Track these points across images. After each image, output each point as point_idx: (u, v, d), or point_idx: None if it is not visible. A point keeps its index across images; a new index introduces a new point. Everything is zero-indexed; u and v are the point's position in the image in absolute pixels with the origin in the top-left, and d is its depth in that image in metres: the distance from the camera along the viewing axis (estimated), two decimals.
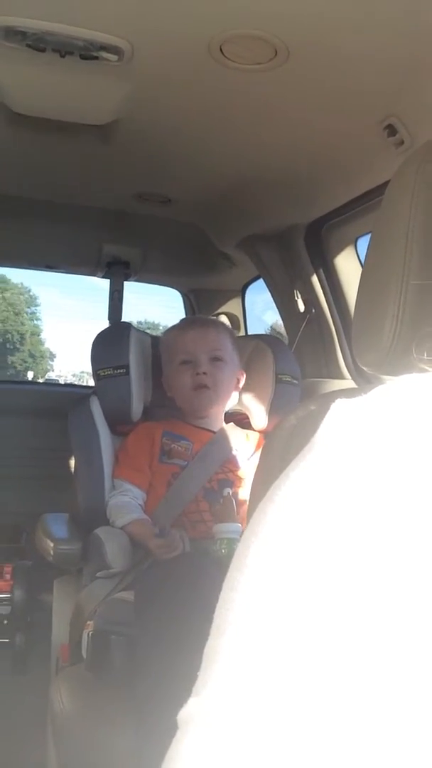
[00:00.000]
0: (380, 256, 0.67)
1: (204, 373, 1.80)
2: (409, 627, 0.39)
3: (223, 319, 2.91)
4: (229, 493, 1.71)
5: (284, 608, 0.40)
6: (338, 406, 0.48)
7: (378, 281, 0.66)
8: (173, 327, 1.96)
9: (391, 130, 1.44)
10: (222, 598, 0.43)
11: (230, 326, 2.35)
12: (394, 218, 0.65)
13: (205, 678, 0.40)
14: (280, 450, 0.78)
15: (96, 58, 1.34)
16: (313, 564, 0.40)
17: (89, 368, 2.02)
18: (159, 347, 1.95)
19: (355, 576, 0.40)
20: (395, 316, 0.63)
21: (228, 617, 0.41)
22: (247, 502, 1.71)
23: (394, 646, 0.38)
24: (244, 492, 1.76)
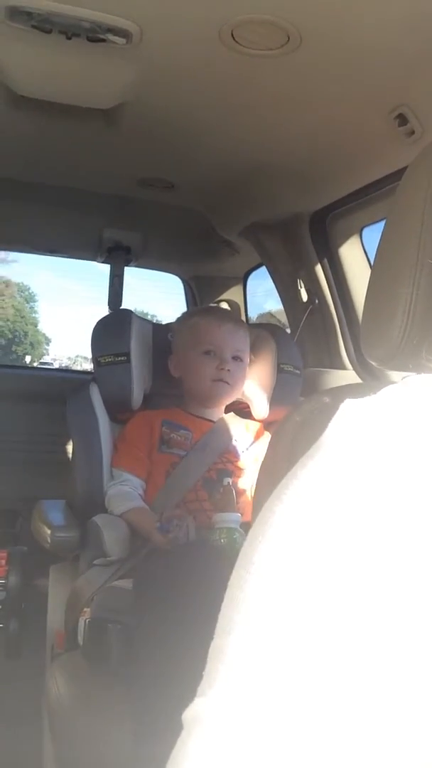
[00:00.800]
0: (392, 250, 0.66)
1: (228, 370, 1.81)
2: (419, 628, 0.38)
3: (224, 306, 2.91)
4: (228, 482, 1.71)
5: (291, 608, 0.39)
6: (347, 405, 0.47)
7: (389, 275, 0.65)
8: (198, 314, 1.97)
9: (402, 119, 1.42)
10: (228, 597, 0.42)
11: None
12: (408, 211, 0.64)
13: (211, 678, 0.40)
14: (285, 447, 0.77)
15: (103, 40, 1.32)
16: (320, 564, 0.40)
17: (83, 352, 2.02)
18: (174, 329, 1.94)
19: (363, 577, 0.39)
20: (406, 312, 0.62)
21: (234, 617, 0.41)
22: (247, 493, 1.72)
23: (403, 646, 0.38)
24: (243, 482, 1.76)
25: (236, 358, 1.84)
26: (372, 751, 0.37)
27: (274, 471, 0.78)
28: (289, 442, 0.76)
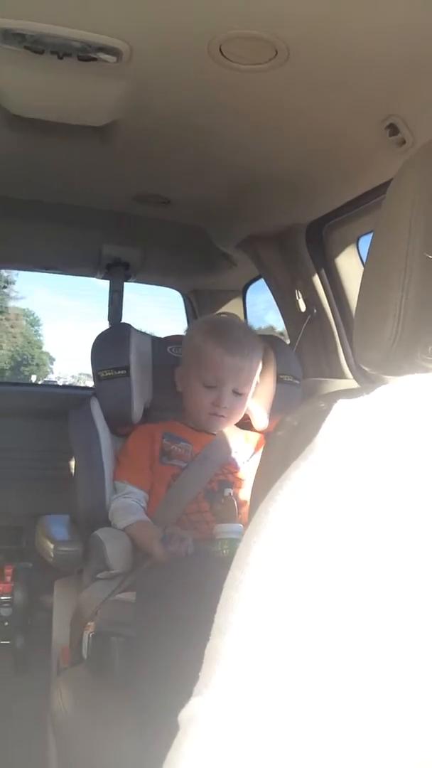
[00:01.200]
0: (381, 256, 0.67)
1: (225, 407, 1.80)
2: (411, 628, 0.39)
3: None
4: (230, 493, 1.71)
5: (286, 608, 0.40)
6: (340, 406, 0.48)
7: (379, 280, 0.66)
8: (208, 335, 1.83)
9: (393, 129, 1.43)
10: (223, 598, 0.43)
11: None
12: (395, 218, 0.65)
13: (207, 678, 0.40)
14: (280, 451, 0.77)
15: (94, 59, 1.33)
16: (314, 564, 0.40)
17: (86, 369, 2.02)
18: (182, 341, 1.93)
19: (356, 577, 0.40)
20: (396, 316, 0.63)
21: (229, 617, 0.41)
22: (248, 503, 1.71)
23: (396, 645, 0.38)
24: (244, 492, 1.76)
25: (236, 393, 1.81)
26: (368, 750, 0.37)
27: (269, 473, 0.78)
28: (284, 446, 0.77)
